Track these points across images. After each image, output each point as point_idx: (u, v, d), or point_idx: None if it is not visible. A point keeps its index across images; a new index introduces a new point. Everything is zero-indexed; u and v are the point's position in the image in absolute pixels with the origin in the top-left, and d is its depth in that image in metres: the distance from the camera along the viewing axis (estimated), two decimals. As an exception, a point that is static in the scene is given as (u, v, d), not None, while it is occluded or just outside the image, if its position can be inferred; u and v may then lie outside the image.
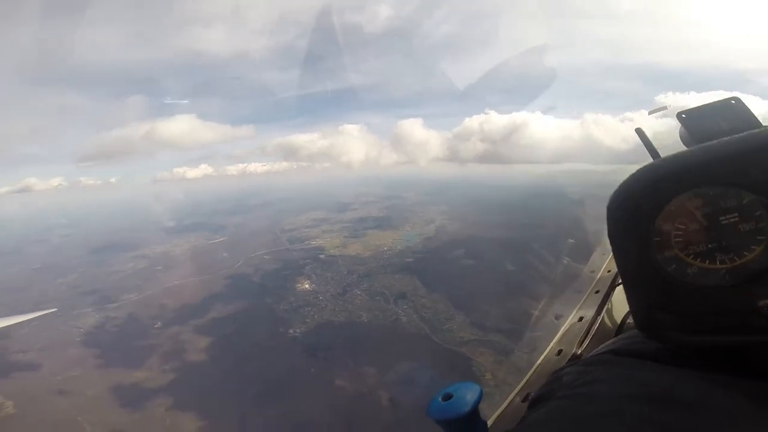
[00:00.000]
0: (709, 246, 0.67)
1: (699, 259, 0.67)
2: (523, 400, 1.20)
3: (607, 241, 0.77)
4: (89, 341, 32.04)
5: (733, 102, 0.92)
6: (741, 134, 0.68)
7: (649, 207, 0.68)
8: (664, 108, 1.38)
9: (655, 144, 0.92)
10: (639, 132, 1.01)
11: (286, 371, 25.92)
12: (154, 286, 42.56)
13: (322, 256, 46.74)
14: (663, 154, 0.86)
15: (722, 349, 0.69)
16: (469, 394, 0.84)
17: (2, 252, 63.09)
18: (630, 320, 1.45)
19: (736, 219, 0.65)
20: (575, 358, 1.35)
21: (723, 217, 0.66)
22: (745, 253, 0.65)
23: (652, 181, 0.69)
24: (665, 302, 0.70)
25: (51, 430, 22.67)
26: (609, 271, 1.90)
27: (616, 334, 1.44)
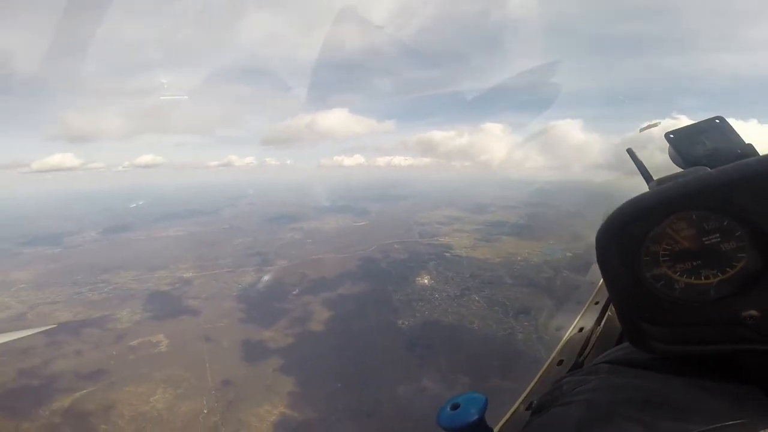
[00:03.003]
0: (695, 264, 0.72)
1: (686, 276, 0.73)
2: (527, 408, 1.19)
3: None
4: (242, 297, 38.37)
5: (717, 122, 1.01)
6: (724, 167, 0.71)
7: (638, 232, 0.74)
8: (655, 125, 1.41)
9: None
10: (630, 153, 1.09)
11: (382, 359, 26.35)
12: (302, 256, 48.86)
13: (447, 254, 45.96)
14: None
15: (712, 358, 0.75)
16: (475, 404, 0.88)
17: (204, 212, 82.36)
18: None
19: (718, 239, 0.71)
20: (576, 367, 1.34)
21: (706, 238, 0.71)
22: (727, 269, 0.71)
23: (641, 211, 0.74)
24: (654, 316, 0.76)
25: (181, 369, 26.78)
26: None
27: (616, 344, 1.40)
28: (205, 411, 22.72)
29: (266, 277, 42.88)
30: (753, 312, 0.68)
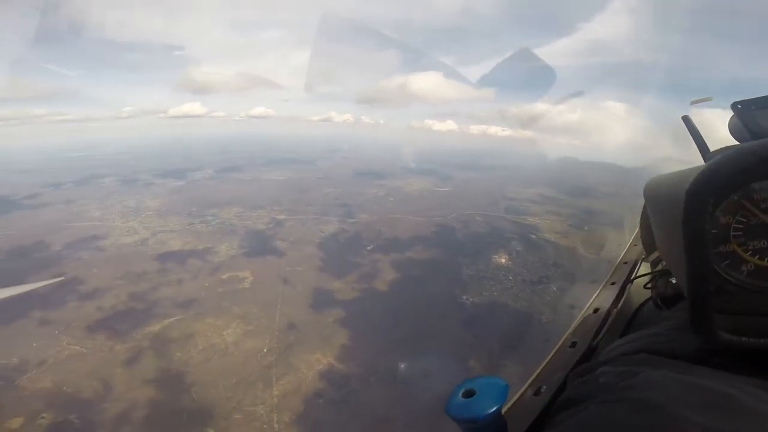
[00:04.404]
0: None
1: (757, 256, 0.63)
2: (535, 393, 1.13)
3: (625, 232, 0.81)
4: (322, 244, 40.33)
5: None
6: None
7: (709, 199, 0.59)
8: (709, 99, 1.34)
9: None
10: (686, 120, 1.03)
11: (435, 330, 26.06)
12: (382, 213, 49.81)
13: (533, 236, 42.67)
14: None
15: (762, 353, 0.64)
16: (493, 392, 0.75)
17: (302, 162, 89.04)
18: (641, 313, 1.44)
19: None
20: (590, 350, 1.28)
21: None
22: None
23: (722, 170, 0.60)
24: (718, 301, 0.65)
25: (256, 307, 28.64)
26: (625, 263, 1.85)
27: (626, 326, 1.40)
28: (265, 350, 24.54)
29: (347, 229, 44.59)
30: None
